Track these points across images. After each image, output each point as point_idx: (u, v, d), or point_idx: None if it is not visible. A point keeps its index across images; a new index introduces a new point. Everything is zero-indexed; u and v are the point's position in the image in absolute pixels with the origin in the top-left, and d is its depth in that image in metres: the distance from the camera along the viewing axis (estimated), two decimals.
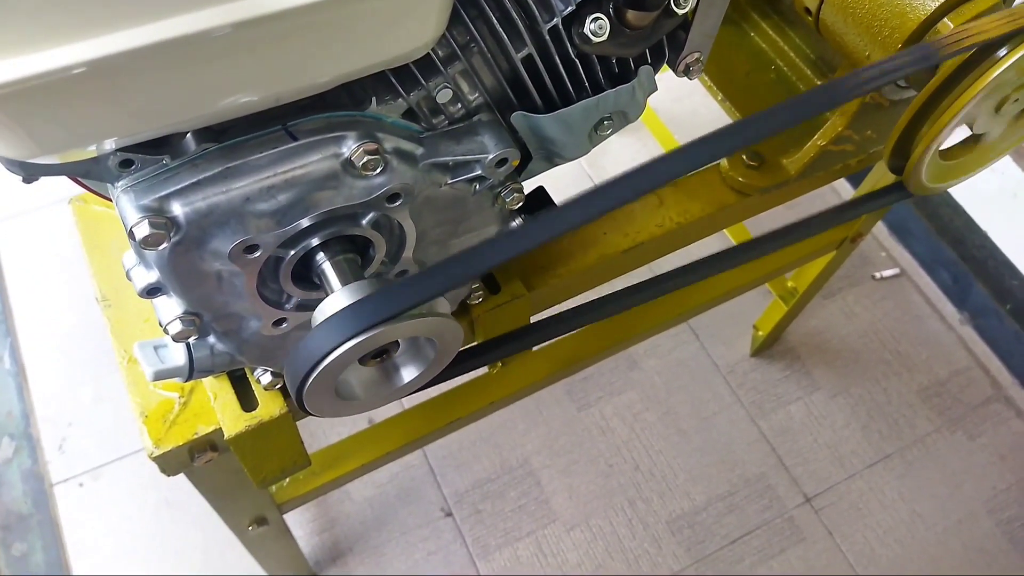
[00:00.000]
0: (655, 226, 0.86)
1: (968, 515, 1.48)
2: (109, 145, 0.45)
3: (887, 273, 1.71)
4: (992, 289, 1.60)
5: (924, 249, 1.70)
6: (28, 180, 0.47)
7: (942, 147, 0.76)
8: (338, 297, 0.53)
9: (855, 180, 1.64)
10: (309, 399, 0.53)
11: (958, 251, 1.64)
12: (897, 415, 1.56)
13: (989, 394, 1.60)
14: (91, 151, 0.45)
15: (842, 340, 1.63)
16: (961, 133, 0.76)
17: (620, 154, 1.80)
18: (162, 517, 1.37)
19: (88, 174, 0.48)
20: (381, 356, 0.58)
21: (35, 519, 1.35)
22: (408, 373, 0.60)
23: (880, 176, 1.14)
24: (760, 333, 1.57)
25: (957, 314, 1.67)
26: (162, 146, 0.49)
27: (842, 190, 1.77)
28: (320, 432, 1.42)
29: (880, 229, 1.75)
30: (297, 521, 1.36)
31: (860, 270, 1.71)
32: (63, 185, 0.65)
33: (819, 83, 0.89)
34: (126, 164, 0.48)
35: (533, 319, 0.83)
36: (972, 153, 0.81)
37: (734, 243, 1.41)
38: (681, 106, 1.83)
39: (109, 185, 0.50)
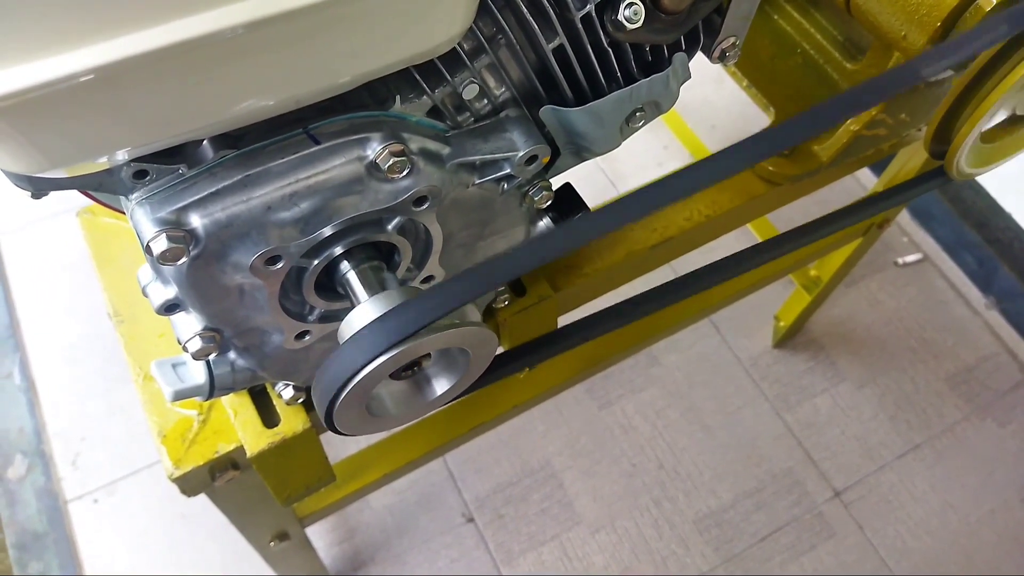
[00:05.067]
0: (683, 220, 0.83)
1: (1001, 504, 1.45)
2: (121, 156, 0.42)
3: (910, 259, 1.68)
4: (1018, 272, 1.57)
5: (947, 233, 1.67)
6: (37, 196, 0.45)
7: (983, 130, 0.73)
8: (366, 308, 0.50)
9: (875, 164, 1.60)
10: (339, 418, 0.50)
11: (982, 234, 1.60)
12: (925, 404, 1.53)
13: (1018, 379, 1.57)
14: (103, 163, 0.42)
15: (866, 329, 1.60)
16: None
17: (632, 142, 1.76)
18: (178, 531, 1.34)
19: (100, 187, 0.45)
20: (411, 369, 0.55)
21: (51, 537, 1.33)
22: (440, 385, 0.57)
23: (906, 160, 1.10)
24: (782, 324, 1.53)
25: (983, 298, 1.63)
26: (177, 155, 0.46)
27: (860, 175, 1.74)
28: (337, 440, 1.39)
29: (902, 214, 1.72)
30: (317, 532, 1.34)
31: (882, 256, 1.68)
32: (66, 195, 0.62)
33: (848, 66, 0.85)
34: (140, 175, 0.45)
35: (560, 319, 0.80)
36: (1013, 135, 0.78)
37: (755, 234, 1.38)
38: (692, 94, 1.79)
39: (122, 198, 0.47)
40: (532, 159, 0.56)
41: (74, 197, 0.55)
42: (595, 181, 1.70)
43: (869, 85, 0.54)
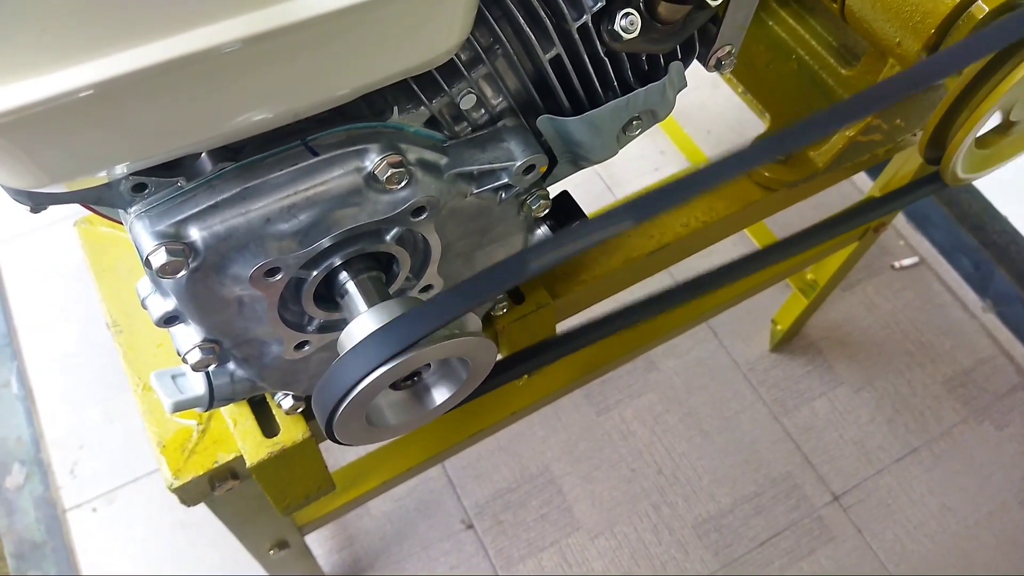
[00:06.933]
0: (680, 226, 0.83)
1: (999, 506, 1.45)
2: (120, 170, 0.42)
3: (906, 262, 1.68)
4: (1015, 275, 1.57)
5: (943, 237, 1.67)
6: (36, 210, 0.45)
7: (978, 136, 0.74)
8: (365, 319, 0.50)
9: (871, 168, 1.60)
10: (339, 429, 0.50)
11: (978, 237, 1.61)
12: (923, 407, 1.53)
13: (1015, 382, 1.57)
14: (102, 177, 0.42)
15: (863, 332, 1.60)
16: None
17: (629, 147, 1.76)
18: (178, 539, 1.34)
19: (99, 200, 0.45)
20: (411, 379, 0.55)
21: (49, 546, 1.33)
22: (440, 394, 0.57)
23: (901, 164, 1.11)
24: (779, 328, 1.54)
25: (979, 301, 1.64)
26: (176, 168, 0.46)
27: (856, 178, 1.74)
28: (336, 447, 1.39)
29: (898, 218, 1.72)
30: (316, 539, 1.33)
31: (879, 260, 1.68)
32: (64, 205, 0.62)
33: (843, 72, 0.86)
34: (139, 188, 0.45)
35: (558, 327, 0.80)
36: (1008, 141, 0.78)
37: (752, 239, 1.39)
38: (688, 99, 1.80)
39: (121, 211, 0.47)
40: (529, 168, 0.56)
41: (72, 206, 0.55)
42: (592, 187, 1.71)
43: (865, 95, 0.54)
